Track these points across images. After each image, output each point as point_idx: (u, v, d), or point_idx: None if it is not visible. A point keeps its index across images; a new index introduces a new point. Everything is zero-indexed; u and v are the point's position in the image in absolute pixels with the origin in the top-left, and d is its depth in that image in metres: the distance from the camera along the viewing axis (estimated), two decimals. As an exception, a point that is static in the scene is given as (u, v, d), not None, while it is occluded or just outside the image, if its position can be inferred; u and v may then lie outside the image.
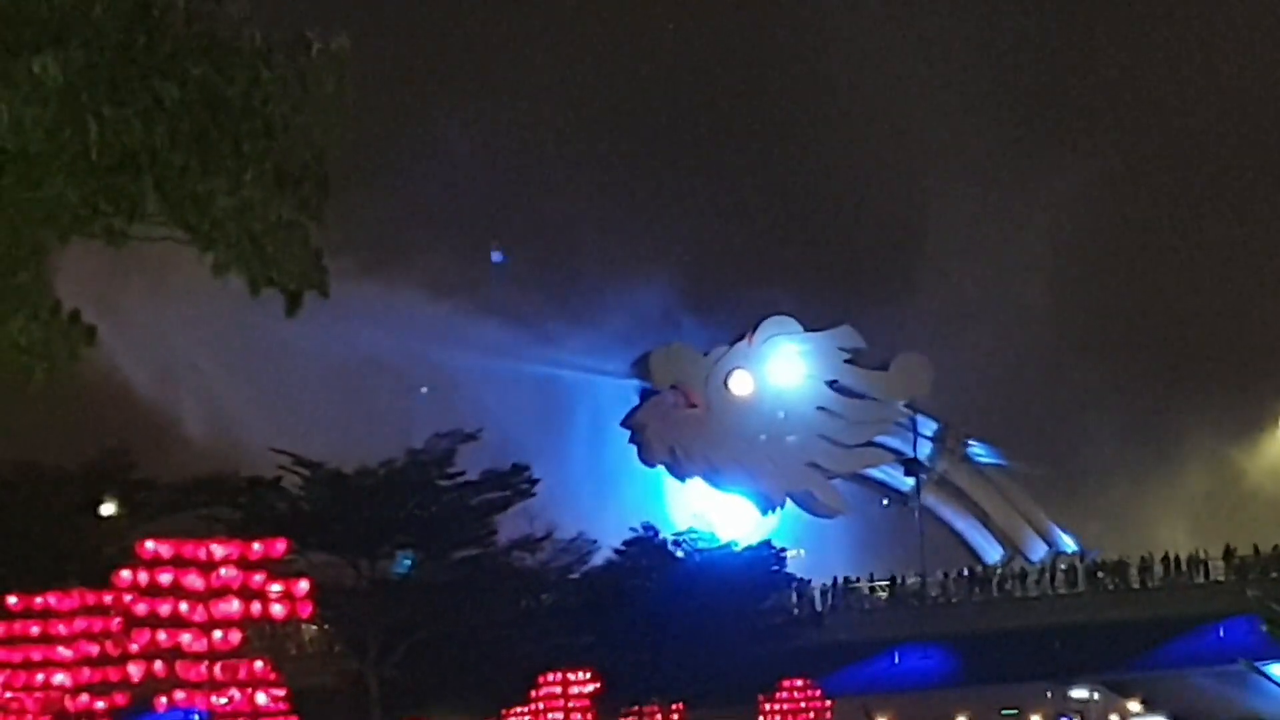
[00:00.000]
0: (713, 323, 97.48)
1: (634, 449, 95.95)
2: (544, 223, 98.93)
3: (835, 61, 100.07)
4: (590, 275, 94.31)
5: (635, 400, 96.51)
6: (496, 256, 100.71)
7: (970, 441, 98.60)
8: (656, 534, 69.66)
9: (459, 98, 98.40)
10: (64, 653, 31.64)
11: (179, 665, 30.63)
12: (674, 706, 61.62)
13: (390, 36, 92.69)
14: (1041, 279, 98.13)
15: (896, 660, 78.23)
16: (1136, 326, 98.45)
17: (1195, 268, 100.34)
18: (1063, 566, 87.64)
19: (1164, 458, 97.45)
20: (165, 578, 30.71)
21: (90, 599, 32.04)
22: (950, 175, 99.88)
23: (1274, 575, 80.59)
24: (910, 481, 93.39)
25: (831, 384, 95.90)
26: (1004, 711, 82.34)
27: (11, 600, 32.40)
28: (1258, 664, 77.23)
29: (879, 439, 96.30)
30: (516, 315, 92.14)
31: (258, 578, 31.25)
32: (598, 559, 66.05)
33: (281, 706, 32.35)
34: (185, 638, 30.59)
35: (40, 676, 31.69)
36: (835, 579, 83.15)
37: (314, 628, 64.27)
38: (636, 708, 60.85)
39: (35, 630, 31.97)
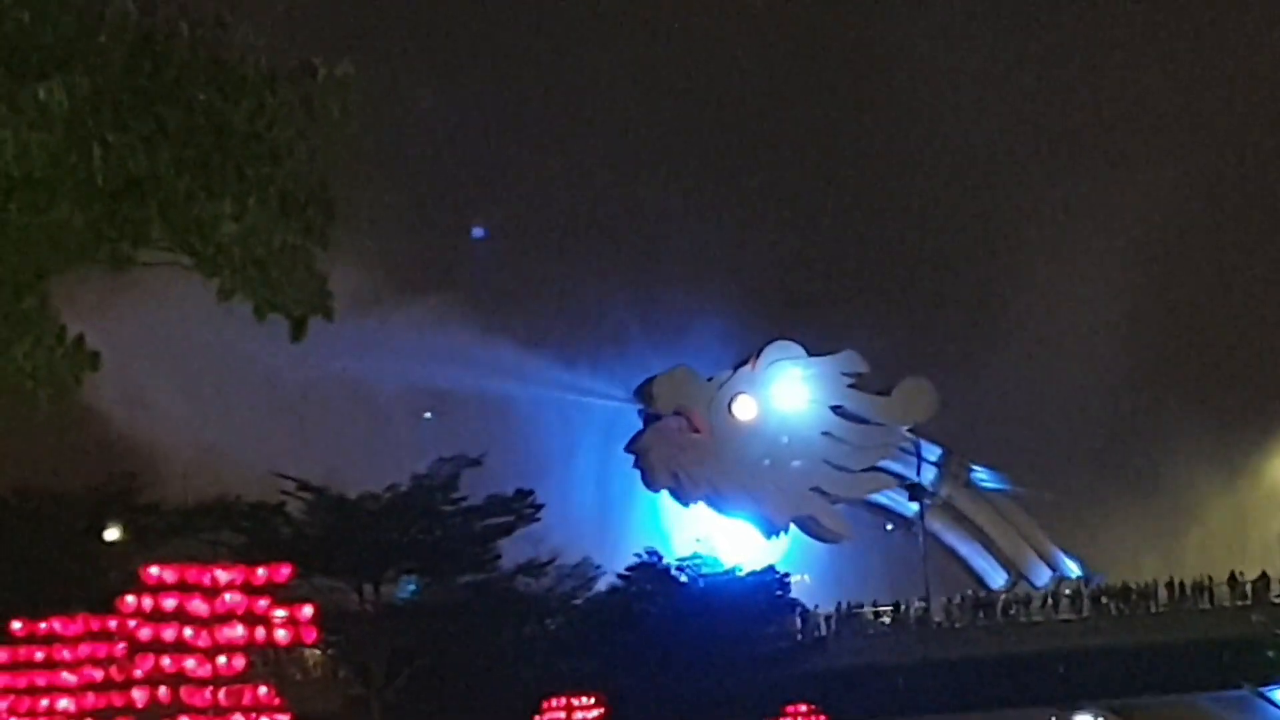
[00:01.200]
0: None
1: (638, 474, 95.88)
2: (581, 244, 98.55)
3: (908, 81, 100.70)
4: (631, 301, 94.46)
5: (639, 425, 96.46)
6: (477, 232, 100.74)
7: (974, 466, 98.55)
8: (660, 559, 69.76)
9: (502, 112, 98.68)
10: (68, 678, 31.59)
11: (183, 691, 30.55)
12: (678, 732, 61.54)
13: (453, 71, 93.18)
14: (1109, 306, 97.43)
15: (900, 685, 78.06)
16: (1200, 356, 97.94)
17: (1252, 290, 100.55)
18: (1067, 591, 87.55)
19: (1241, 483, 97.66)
20: (169, 603, 30.66)
21: (94, 624, 31.98)
22: (1022, 205, 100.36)
23: (1277, 600, 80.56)
24: (914, 506, 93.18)
25: (835, 409, 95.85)
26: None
27: (16, 625, 32.35)
28: (1262, 689, 77.19)
29: (883, 464, 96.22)
30: (523, 339, 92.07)
31: (262, 603, 31.19)
32: (602, 584, 66.13)
33: (285, 732, 32.29)
34: (189, 663, 30.52)
35: (44, 702, 31.64)
36: (839, 604, 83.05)
37: (318, 653, 64.24)
38: (640, 733, 60.75)
39: (39, 656, 31.92)
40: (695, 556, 71.87)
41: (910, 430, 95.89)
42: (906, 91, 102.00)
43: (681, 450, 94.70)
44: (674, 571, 69.05)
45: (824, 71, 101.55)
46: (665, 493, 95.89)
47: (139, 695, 30.81)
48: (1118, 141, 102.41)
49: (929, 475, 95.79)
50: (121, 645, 31.21)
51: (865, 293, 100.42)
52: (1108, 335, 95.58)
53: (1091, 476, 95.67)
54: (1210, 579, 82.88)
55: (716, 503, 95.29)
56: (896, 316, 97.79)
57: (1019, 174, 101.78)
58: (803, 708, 62.13)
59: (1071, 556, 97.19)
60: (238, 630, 30.90)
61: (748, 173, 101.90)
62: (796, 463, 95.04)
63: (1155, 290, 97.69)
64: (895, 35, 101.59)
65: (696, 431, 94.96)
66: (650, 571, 68.18)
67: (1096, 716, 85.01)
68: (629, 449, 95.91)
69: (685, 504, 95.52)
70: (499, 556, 60.52)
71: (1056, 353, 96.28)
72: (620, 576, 67.41)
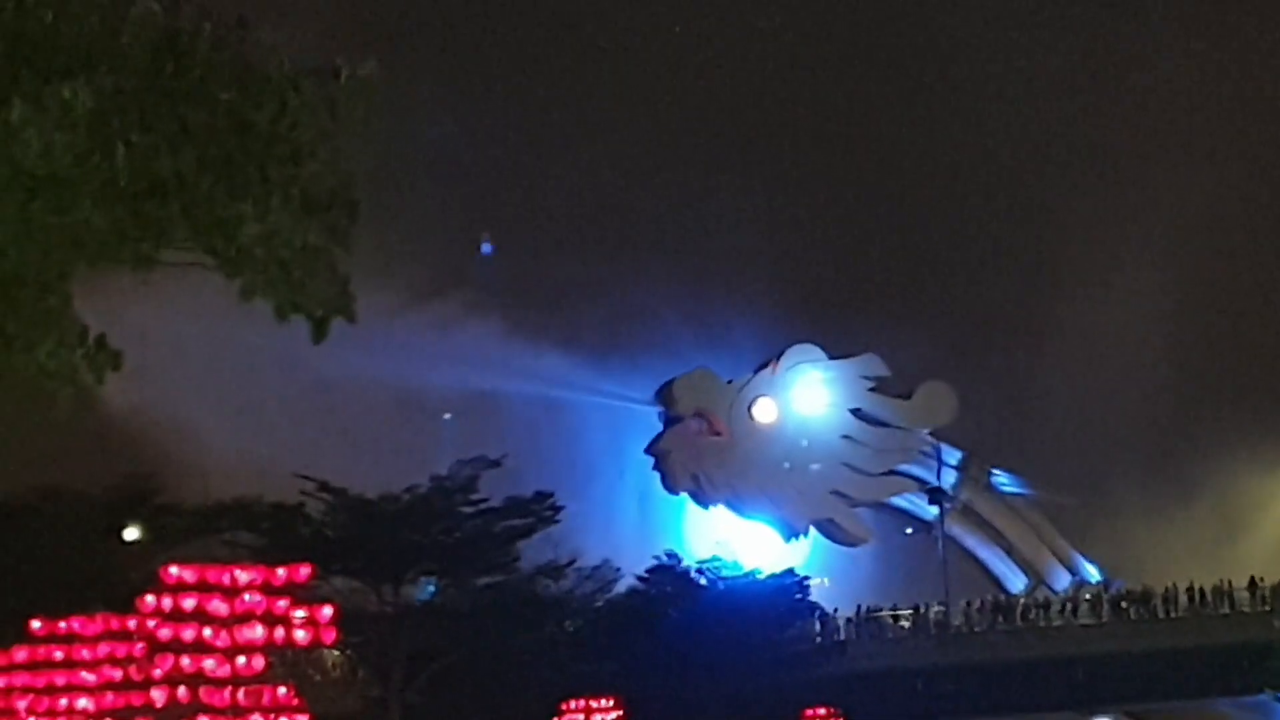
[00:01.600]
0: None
1: (658, 476, 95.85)
2: (601, 247, 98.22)
3: (944, 85, 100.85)
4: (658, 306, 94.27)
5: (659, 427, 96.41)
6: (486, 249, 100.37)
7: (994, 470, 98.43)
8: (680, 562, 69.69)
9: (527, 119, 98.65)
10: (88, 678, 31.62)
11: (203, 691, 30.56)
12: (697, 735, 61.48)
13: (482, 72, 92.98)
14: (1150, 310, 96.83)
15: (919, 689, 77.98)
16: (1243, 361, 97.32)
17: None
18: (1087, 596, 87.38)
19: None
20: (189, 603, 30.68)
21: (114, 624, 32.00)
22: (1059, 208, 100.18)
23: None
24: (934, 510, 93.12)
25: (855, 412, 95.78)
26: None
27: (36, 625, 32.40)
28: (1282, 694, 77.01)
29: (903, 467, 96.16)
30: (546, 340, 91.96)
31: (281, 603, 31.19)
32: (621, 587, 66.01)
33: (304, 732, 32.30)
34: (209, 663, 30.53)
35: (64, 701, 31.67)
36: (859, 607, 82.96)
37: (337, 653, 64.24)
38: (659, 735, 60.70)
39: (59, 655, 31.95)
40: (715, 559, 71.82)
41: (931, 434, 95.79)
42: (942, 95, 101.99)
43: (702, 453, 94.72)
44: (693, 574, 69.00)
45: (861, 75, 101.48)
46: (685, 495, 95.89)
47: (158, 695, 30.82)
48: (1157, 144, 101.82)
49: (949, 479, 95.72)
50: (141, 645, 31.23)
51: (899, 296, 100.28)
52: (1148, 340, 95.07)
53: (1133, 482, 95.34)
54: (1230, 584, 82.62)
55: (736, 505, 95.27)
56: (931, 320, 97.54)
57: (1056, 177, 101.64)
58: (821, 711, 62.09)
59: (1091, 561, 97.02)
60: (257, 631, 30.91)
61: (783, 176, 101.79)
62: (816, 466, 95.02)
63: (1197, 294, 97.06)
64: (933, 41, 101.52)
65: (717, 434, 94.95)
66: (670, 574, 68.14)
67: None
68: (649, 451, 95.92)
69: (705, 506, 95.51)
70: (518, 558, 60.45)
71: (1096, 357, 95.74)
72: (639, 579, 67.34)
